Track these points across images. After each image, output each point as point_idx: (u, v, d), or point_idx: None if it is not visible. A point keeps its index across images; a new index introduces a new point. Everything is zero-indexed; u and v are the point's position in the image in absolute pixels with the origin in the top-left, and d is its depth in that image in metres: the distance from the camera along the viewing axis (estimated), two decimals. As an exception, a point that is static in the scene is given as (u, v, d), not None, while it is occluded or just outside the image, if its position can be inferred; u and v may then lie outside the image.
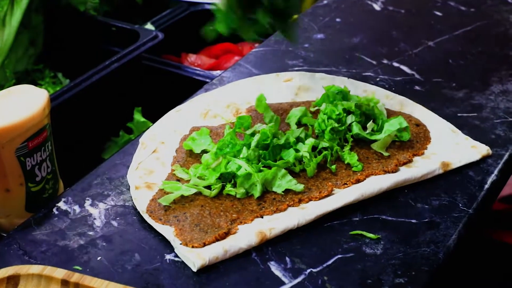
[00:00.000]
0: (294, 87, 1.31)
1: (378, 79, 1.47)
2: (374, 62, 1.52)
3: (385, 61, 1.53)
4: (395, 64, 1.52)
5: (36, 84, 1.67)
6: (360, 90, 1.38)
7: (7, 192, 1.16)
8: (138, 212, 1.14)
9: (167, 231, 1.10)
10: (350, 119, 1.25)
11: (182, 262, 1.06)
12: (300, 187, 1.15)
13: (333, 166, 1.19)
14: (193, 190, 1.15)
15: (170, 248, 1.09)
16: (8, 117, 1.12)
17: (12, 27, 1.63)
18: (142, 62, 1.68)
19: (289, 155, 1.19)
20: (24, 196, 1.17)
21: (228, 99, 1.36)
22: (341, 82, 1.39)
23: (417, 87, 1.44)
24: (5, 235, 1.15)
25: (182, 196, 1.15)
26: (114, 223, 1.13)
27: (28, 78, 1.70)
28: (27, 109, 1.14)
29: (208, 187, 1.16)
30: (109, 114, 1.62)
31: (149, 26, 1.80)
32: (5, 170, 1.14)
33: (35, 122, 1.14)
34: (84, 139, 1.57)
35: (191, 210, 1.12)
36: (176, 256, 1.08)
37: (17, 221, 1.17)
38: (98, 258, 1.07)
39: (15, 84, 1.63)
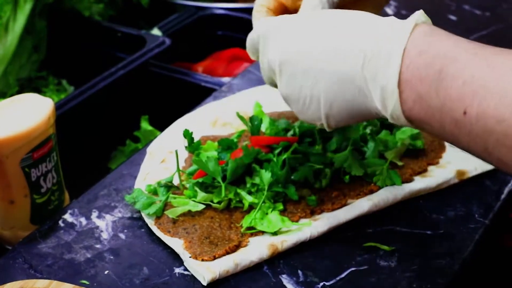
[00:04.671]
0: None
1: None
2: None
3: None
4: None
5: (39, 91, 1.66)
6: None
7: (11, 203, 1.14)
8: (146, 224, 1.12)
9: (176, 243, 1.08)
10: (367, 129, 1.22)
11: (192, 275, 1.05)
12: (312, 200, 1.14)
13: (347, 177, 1.17)
14: (201, 206, 1.12)
15: (179, 261, 1.07)
16: (12, 127, 1.11)
17: (15, 32, 1.62)
18: (149, 69, 1.66)
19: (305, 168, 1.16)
20: (29, 208, 1.16)
21: (238, 107, 1.34)
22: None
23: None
24: (9, 248, 1.13)
25: None
26: (122, 236, 1.12)
27: (32, 85, 1.68)
28: (32, 118, 1.12)
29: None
30: (115, 123, 1.61)
31: (155, 31, 1.77)
32: (10, 181, 1.13)
33: (40, 132, 1.12)
34: (89, 149, 1.56)
35: (200, 222, 1.10)
36: (186, 269, 1.06)
37: (21, 233, 1.15)
38: (106, 272, 1.05)
39: (18, 91, 1.62)
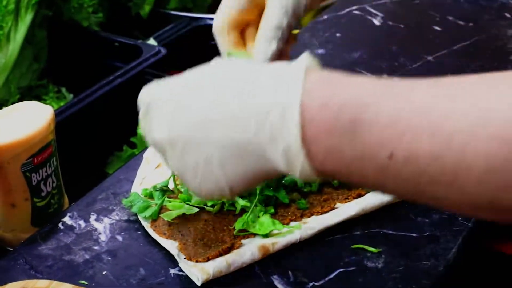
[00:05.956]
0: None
1: (378, 94, 1.47)
2: (374, 77, 1.52)
3: (385, 76, 1.53)
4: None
5: (40, 99, 1.68)
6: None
7: (12, 207, 1.17)
8: (143, 226, 1.15)
9: (171, 245, 1.10)
10: None
11: (187, 276, 1.07)
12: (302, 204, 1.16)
13: (335, 181, 1.20)
14: (195, 209, 1.15)
15: (174, 262, 1.09)
16: (13, 134, 1.13)
17: (17, 42, 1.63)
18: (145, 77, 1.68)
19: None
20: (30, 211, 1.18)
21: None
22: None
23: (417, 102, 1.44)
24: (11, 249, 1.15)
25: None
26: (119, 238, 1.14)
27: (32, 93, 1.70)
28: (32, 125, 1.14)
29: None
30: (113, 129, 1.63)
31: (151, 41, 1.80)
32: (11, 185, 1.15)
33: (40, 138, 1.15)
34: (88, 154, 1.57)
35: (194, 224, 1.13)
36: (181, 270, 1.08)
37: (22, 235, 1.17)
38: (104, 273, 1.08)
39: (19, 99, 1.64)
